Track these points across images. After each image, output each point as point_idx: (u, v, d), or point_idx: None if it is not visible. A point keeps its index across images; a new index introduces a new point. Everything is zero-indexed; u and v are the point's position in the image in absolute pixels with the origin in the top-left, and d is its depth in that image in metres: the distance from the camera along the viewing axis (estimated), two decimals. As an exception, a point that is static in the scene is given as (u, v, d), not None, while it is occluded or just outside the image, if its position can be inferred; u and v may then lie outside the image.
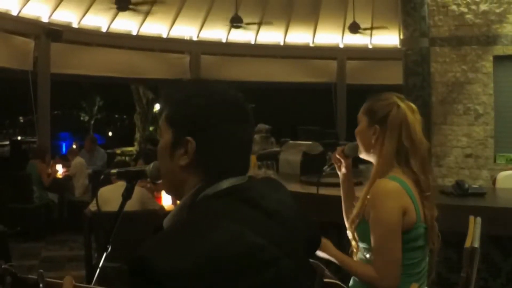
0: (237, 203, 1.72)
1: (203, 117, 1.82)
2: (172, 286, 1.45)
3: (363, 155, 3.51)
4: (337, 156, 3.75)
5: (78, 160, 12.39)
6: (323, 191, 4.54)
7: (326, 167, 3.96)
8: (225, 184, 1.79)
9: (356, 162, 4.22)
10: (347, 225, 3.49)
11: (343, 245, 3.51)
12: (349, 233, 3.41)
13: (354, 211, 3.35)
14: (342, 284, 3.00)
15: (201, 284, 1.48)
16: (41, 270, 2.14)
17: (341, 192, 3.84)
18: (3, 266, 2.08)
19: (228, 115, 1.84)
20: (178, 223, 1.78)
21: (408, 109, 3.29)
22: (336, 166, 3.81)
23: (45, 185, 11.73)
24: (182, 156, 1.82)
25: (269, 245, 1.66)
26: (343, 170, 3.78)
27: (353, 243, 3.36)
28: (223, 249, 1.55)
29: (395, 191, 3.11)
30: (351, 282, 3.35)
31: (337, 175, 3.89)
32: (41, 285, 2.10)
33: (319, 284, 2.05)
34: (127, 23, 16.90)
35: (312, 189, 4.08)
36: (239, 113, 1.88)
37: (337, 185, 3.94)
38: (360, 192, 3.42)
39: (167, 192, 2.02)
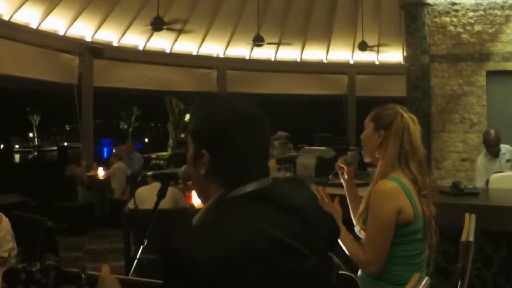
0: (262, 204, 1.71)
1: (219, 133, 1.82)
2: (201, 274, 1.45)
3: (367, 159, 3.54)
4: (340, 165, 3.83)
5: (117, 165, 12.45)
6: (333, 190, 4.56)
7: (330, 175, 4.05)
8: (249, 187, 1.79)
9: (364, 165, 4.23)
10: (354, 221, 3.53)
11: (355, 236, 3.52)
12: (357, 227, 3.43)
13: (361, 207, 3.38)
14: (355, 277, 3.00)
15: (227, 273, 1.48)
16: (83, 265, 2.16)
17: (347, 197, 3.89)
18: (47, 262, 2.10)
19: (244, 129, 1.83)
20: (207, 220, 1.79)
21: (410, 119, 3.34)
22: (339, 173, 3.87)
23: (84, 184, 11.84)
24: (201, 166, 1.84)
25: (292, 242, 1.65)
26: (346, 176, 3.86)
27: (362, 232, 3.37)
28: (247, 243, 1.55)
29: (393, 191, 3.15)
30: (359, 273, 3.36)
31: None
32: (83, 275, 2.13)
33: (336, 276, 2.03)
34: (161, 42, 17.00)
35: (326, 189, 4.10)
36: (255, 126, 1.87)
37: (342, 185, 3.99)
38: (366, 192, 3.43)
39: (198, 196, 2.04)
